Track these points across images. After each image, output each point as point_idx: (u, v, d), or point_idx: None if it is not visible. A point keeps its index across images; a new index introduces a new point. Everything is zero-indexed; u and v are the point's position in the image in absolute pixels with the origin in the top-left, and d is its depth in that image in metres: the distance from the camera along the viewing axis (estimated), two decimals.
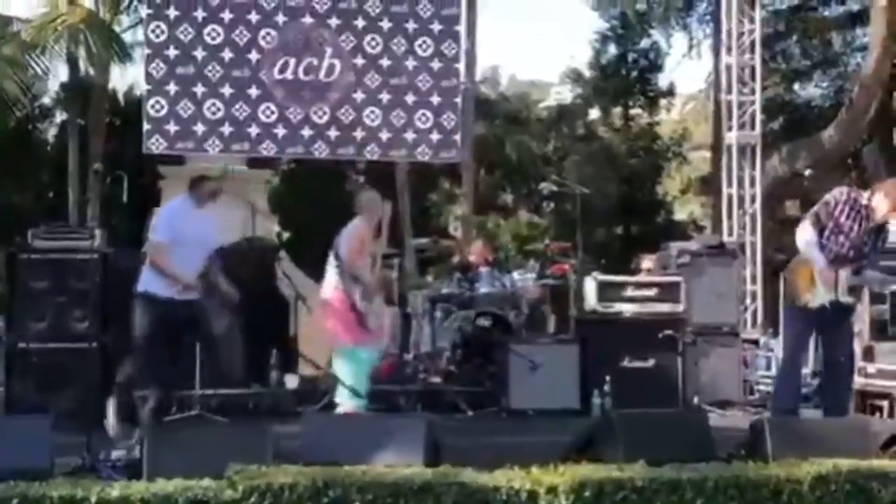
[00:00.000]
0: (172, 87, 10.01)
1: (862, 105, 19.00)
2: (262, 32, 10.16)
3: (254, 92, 10.14)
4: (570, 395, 8.83)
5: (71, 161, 16.57)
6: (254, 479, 4.95)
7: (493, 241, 23.93)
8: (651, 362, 9.20)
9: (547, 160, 28.54)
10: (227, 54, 10.10)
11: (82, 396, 7.25)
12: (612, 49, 28.24)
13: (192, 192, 7.23)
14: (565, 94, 30.63)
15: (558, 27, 61.88)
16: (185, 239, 6.97)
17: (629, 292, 9.55)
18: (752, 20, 14.49)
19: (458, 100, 10.68)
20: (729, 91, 14.60)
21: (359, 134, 10.32)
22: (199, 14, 10.06)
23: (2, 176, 20.12)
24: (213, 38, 10.08)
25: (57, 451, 5.57)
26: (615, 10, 27.08)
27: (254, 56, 10.15)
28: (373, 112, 10.30)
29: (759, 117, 14.63)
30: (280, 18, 10.20)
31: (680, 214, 29.72)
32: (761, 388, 10.61)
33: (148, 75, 10.10)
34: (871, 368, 8.70)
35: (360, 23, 10.30)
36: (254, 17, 10.16)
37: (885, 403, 8.45)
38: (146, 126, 10.05)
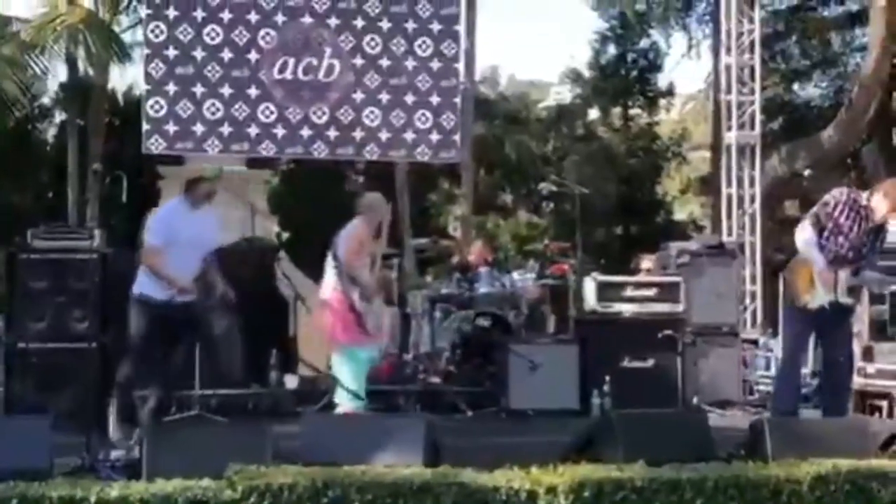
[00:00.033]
0: (172, 88, 10.01)
1: (861, 105, 19.00)
2: (262, 32, 10.16)
3: (253, 92, 10.14)
4: (569, 396, 8.83)
5: (70, 161, 16.57)
6: (253, 480, 4.95)
7: (492, 241, 23.93)
8: (650, 362, 9.20)
9: (546, 160, 28.52)
10: (227, 54, 10.10)
11: (82, 396, 7.23)
12: (612, 49, 28.23)
13: (188, 194, 7.20)
14: (565, 94, 30.63)
15: (558, 27, 61.94)
16: (180, 241, 6.95)
17: (629, 292, 9.55)
18: (751, 20, 14.49)
19: (458, 100, 10.68)
20: (728, 91, 14.61)
21: (358, 134, 10.32)
22: (199, 14, 10.06)
23: (1, 176, 20.11)
24: (213, 39, 10.08)
25: (56, 451, 5.57)
26: (614, 11, 27.05)
27: (253, 56, 10.15)
28: (372, 112, 10.30)
29: (758, 117, 14.64)
30: (279, 18, 10.20)
31: (679, 214, 29.70)
32: (761, 388, 10.61)
33: (147, 75, 10.10)
34: (870, 368, 8.71)
35: (359, 23, 10.30)
36: (253, 17, 10.16)
37: (884, 403, 8.45)
38: (145, 126, 10.05)
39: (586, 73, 28.95)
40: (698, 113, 30.01)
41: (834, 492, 5.34)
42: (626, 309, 9.48)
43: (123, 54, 15.39)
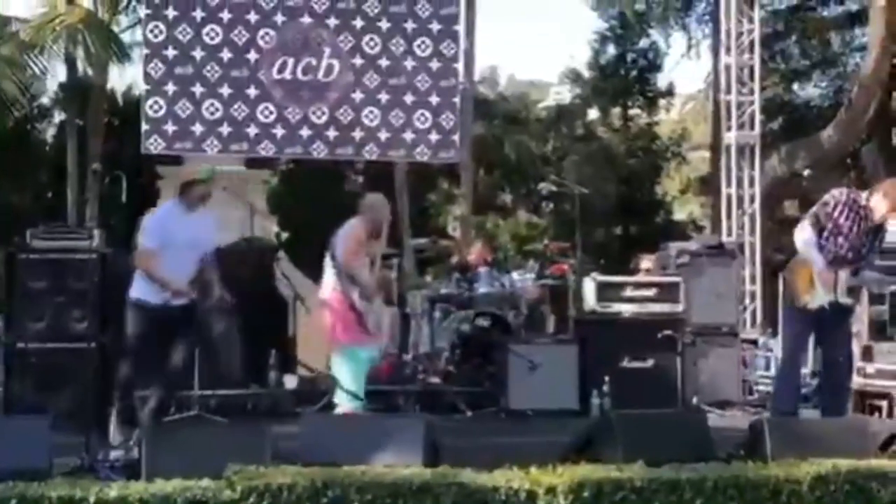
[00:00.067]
0: (171, 88, 10.01)
1: (861, 105, 19.01)
2: (261, 32, 10.16)
3: (252, 92, 10.14)
4: (569, 396, 8.83)
5: (69, 161, 16.57)
6: (252, 480, 4.95)
7: (492, 241, 23.92)
8: (650, 362, 9.19)
9: (546, 160, 28.52)
10: (226, 54, 10.09)
11: (81, 397, 7.23)
12: (611, 49, 28.23)
13: (182, 197, 7.16)
14: (564, 94, 30.63)
15: (557, 27, 61.92)
16: (175, 244, 6.92)
17: (628, 292, 9.55)
18: (751, 20, 14.49)
19: (457, 100, 10.68)
20: (728, 91, 14.61)
21: (357, 134, 10.32)
22: (198, 14, 10.05)
23: (0, 176, 20.11)
24: (212, 39, 10.07)
25: (55, 451, 5.57)
26: (614, 10, 27.05)
27: (252, 56, 10.15)
28: (371, 112, 10.30)
29: (758, 117, 14.64)
30: (279, 18, 10.20)
31: (679, 214, 29.70)
32: (760, 388, 10.61)
33: (146, 75, 10.10)
34: (870, 368, 8.71)
35: (358, 23, 10.30)
36: (252, 17, 10.15)
37: (883, 403, 8.45)
38: (144, 126, 10.04)
39: (586, 73, 28.96)
40: (698, 113, 30.00)
41: (833, 492, 5.34)
42: (626, 309, 9.48)
43: (122, 54, 15.40)
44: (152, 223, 7.07)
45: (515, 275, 11.11)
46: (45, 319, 8.19)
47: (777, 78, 24.62)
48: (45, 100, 22.49)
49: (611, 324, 9.39)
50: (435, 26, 10.40)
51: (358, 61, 10.29)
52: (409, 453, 5.61)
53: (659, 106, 28.91)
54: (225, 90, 10.08)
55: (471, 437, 7.55)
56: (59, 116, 22.56)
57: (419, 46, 10.36)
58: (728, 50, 14.56)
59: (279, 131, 10.20)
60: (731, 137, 14.48)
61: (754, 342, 11.82)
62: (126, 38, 16.53)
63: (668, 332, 9.22)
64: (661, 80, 28.30)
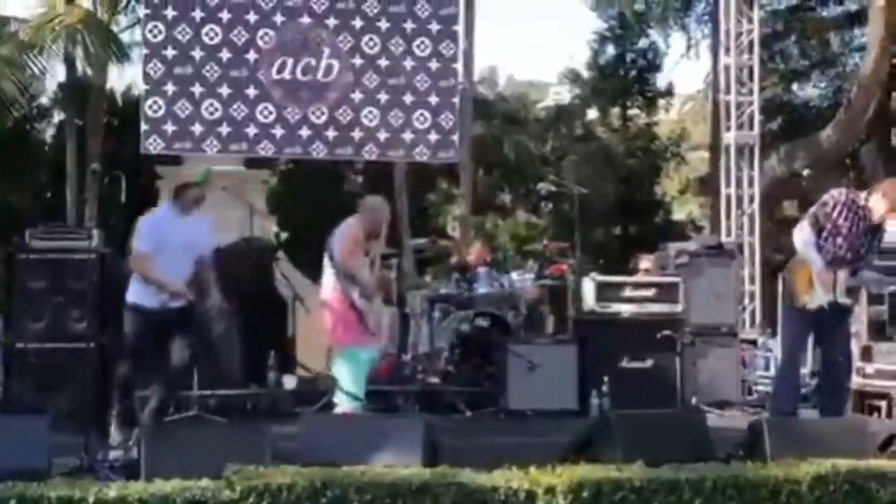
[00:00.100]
0: (170, 88, 10.00)
1: (860, 105, 19.01)
2: (261, 32, 10.15)
3: (252, 92, 10.13)
4: (568, 396, 8.84)
5: (69, 161, 16.57)
6: (252, 480, 4.95)
7: (491, 241, 23.90)
8: (649, 363, 9.20)
9: (545, 160, 28.52)
10: (225, 54, 10.09)
11: (80, 397, 7.22)
12: (611, 49, 28.23)
13: (176, 200, 7.12)
14: (563, 94, 30.63)
15: (556, 27, 61.84)
16: (170, 248, 6.88)
17: (627, 293, 9.56)
18: (750, 20, 14.50)
19: (456, 100, 10.68)
20: (727, 91, 14.62)
21: (357, 134, 10.31)
22: (197, 14, 10.04)
23: (0, 176, 20.11)
24: (211, 39, 10.07)
25: (55, 451, 5.57)
26: (613, 11, 27.03)
27: (252, 56, 10.14)
28: (371, 112, 10.30)
29: (757, 117, 14.65)
30: (278, 19, 10.19)
31: (678, 215, 29.70)
32: (759, 388, 10.62)
33: (146, 75, 10.09)
34: (869, 369, 8.71)
35: (357, 23, 10.29)
36: (252, 17, 10.15)
37: (882, 403, 8.46)
38: (144, 126, 10.03)
39: (585, 74, 28.96)
40: (697, 113, 30.01)
41: (833, 492, 5.34)
42: (625, 309, 9.49)
43: (122, 54, 15.40)
44: (147, 227, 7.01)
45: (515, 275, 11.12)
46: (44, 319, 8.19)
47: (776, 78, 24.63)
48: (44, 100, 22.50)
49: (610, 324, 9.40)
50: (434, 26, 10.40)
51: (357, 61, 10.29)
52: (408, 453, 5.61)
53: (658, 106, 28.90)
54: (224, 90, 10.08)
55: (470, 437, 7.55)
56: (58, 116, 22.55)
57: (418, 46, 10.36)
58: (727, 50, 14.57)
59: (278, 131, 10.20)
60: (730, 137, 14.49)
61: (753, 342, 11.84)
62: (125, 37, 16.57)
63: (667, 332, 9.22)
64: (661, 81, 28.33)
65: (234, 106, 10.09)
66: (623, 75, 28.20)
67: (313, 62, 10.24)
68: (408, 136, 10.37)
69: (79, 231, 9.15)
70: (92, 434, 6.25)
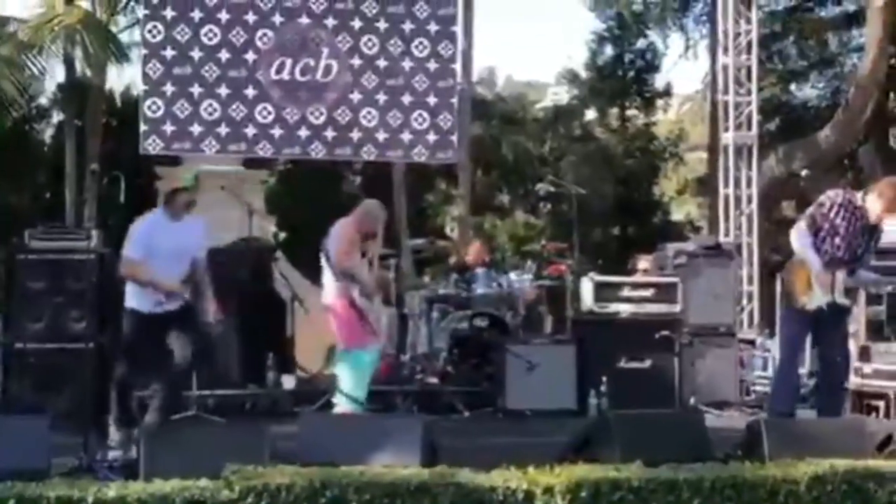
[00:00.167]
0: (169, 88, 10.01)
1: (858, 106, 19.01)
2: (259, 33, 10.17)
3: (250, 92, 10.15)
4: (566, 396, 8.85)
5: (68, 161, 16.55)
6: (251, 480, 4.95)
7: (489, 241, 23.89)
8: (648, 363, 9.21)
9: (543, 161, 28.48)
10: (224, 55, 10.10)
11: (79, 397, 7.23)
12: (609, 50, 28.17)
13: (167, 206, 7.10)
14: (562, 94, 30.57)
15: (555, 28, 61.76)
16: (161, 253, 6.85)
17: (626, 293, 9.57)
18: (748, 21, 14.52)
19: (455, 100, 10.70)
20: (725, 92, 14.64)
21: (355, 134, 10.33)
22: (196, 15, 10.06)
23: None
24: (210, 39, 10.08)
25: (54, 451, 5.58)
26: (611, 11, 27.01)
27: (250, 56, 10.15)
28: (369, 113, 10.31)
29: (755, 118, 14.67)
30: (277, 19, 10.21)
31: (677, 215, 29.68)
32: (758, 388, 10.63)
33: (145, 76, 10.10)
34: (867, 369, 8.71)
35: (356, 23, 10.31)
36: (251, 17, 10.16)
37: (880, 403, 8.45)
38: (143, 126, 10.05)
39: (583, 74, 28.91)
40: (695, 113, 29.98)
41: (831, 492, 5.35)
42: (624, 309, 9.50)
43: (121, 55, 15.36)
44: (138, 234, 6.95)
45: (513, 275, 11.11)
46: (43, 320, 8.20)
47: (774, 78, 24.61)
48: (43, 100, 22.45)
49: (608, 324, 9.41)
50: (433, 27, 10.41)
51: (356, 62, 10.30)
52: (407, 453, 5.62)
53: (656, 106, 28.86)
54: (223, 90, 10.09)
55: (468, 437, 7.55)
56: (57, 117, 22.51)
57: (417, 47, 10.38)
58: (725, 50, 14.59)
59: (277, 132, 10.21)
60: (728, 138, 14.51)
61: (752, 342, 11.85)
62: (124, 38, 16.53)
63: (665, 332, 9.24)
64: (659, 81, 28.28)
65: (233, 106, 10.10)
66: (621, 76, 28.17)
67: (312, 62, 10.25)
68: (406, 136, 10.38)
69: (78, 231, 9.15)
70: (91, 434, 6.26)
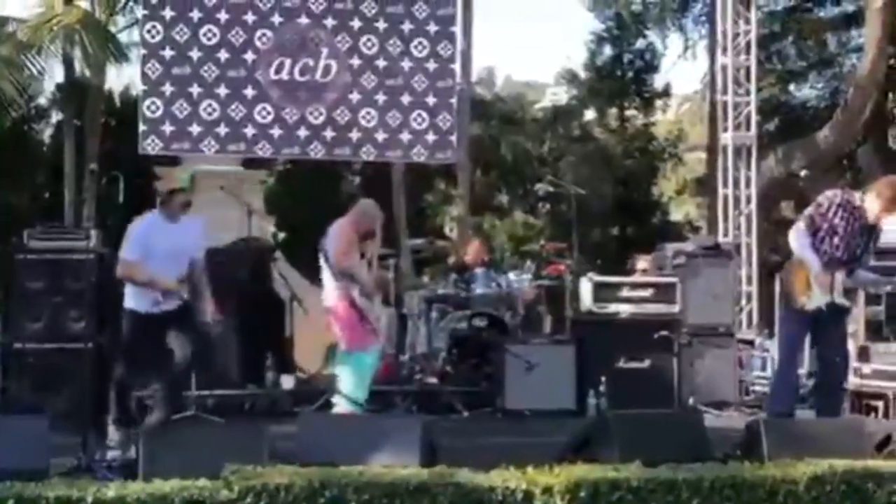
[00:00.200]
0: (168, 88, 10.01)
1: (857, 106, 19.01)
2: (258, 33, 10.16)
3: (250, 92, 10.14)
4: (565, 396, 8.85)
5: (67, 161, 16.54)
6: (250, 480, 4.95)
7: (488, 241, 23.87)
8: (647, 363, 9.22)
9: (542, 161, 28.47)
10: (223, 55, 10.10)
11: (78, 397, 7.24)
12: (608, 50, 28.15)
13: (163, 207, 7.08)
14: (561, 94, 30.56)
15: (554, 28, 61.77)
16: (157, 255, 6.84)
17: (625, 293, 9.58)
18: (747, 21, 14.51)
19: (454, 100, 10.70)
20: (724, 92, 14.64)
21: (355, 135, 10.33)
22: (195, 15, 10.05)
23: None
24: (209, 39, 10.08)
25: (53, 451, 5.58)
26: (611, 11, 27.01)
27: (250, 56, 10.15)
28: (369, 113, 10.31)
29: (754, 118, 14.67)
30: (276, 19, 10.20)
31: (676, 215, 29.66)
32: (757, 388, 10.63)
33: (144, 76, 10.10)
34: (866, 369, 8.72)
35: (355, 23, 10.31)
36: (250, 17, 10.16)
37: (880, 404, 8.46)
38: (142, 126, 10.04)
39: (582, 74, 28.90)
40: (694, 114, 29.98)
41: (830, 492, 5.35)
42: (623, 309, 9.51)
43: (120, 55, 15.36)
44: (135, 235, 6.93)
45: (512, 275, 11.10)
46: (42, 320, 8.21)
47: (773, 79, 24.60)
48: (42, 100, 22.44)
49: (607, 324, 9.41)
50: (432, 27, 10.41)
51: (355, 62, 10.30)
52: (406, 453, 5.62)
53: (655, 107, 28.85)
54: (222, 90, 10.09)
55: (468, 437, 7.56)
56: (56, 117, 22.49)
57: (416, 47, 10.38)
58: (724, 51, 14.59)
59: (276, 132, 10.21)
60: (727, 138, 14.51)
61: (751, 343, 11.85)
62: (123, 38, 16.52)
63: (664, 332, 9.24)
64: (658, 81, 28.26)
65: (232, 106, 10.10)
66: (620, 76, 28.17)
67: (311, 62, 10.25)
68: (405, 136, 10.38)
69: (77, 231, 9.16)
70: (90, 434, 6.26)
